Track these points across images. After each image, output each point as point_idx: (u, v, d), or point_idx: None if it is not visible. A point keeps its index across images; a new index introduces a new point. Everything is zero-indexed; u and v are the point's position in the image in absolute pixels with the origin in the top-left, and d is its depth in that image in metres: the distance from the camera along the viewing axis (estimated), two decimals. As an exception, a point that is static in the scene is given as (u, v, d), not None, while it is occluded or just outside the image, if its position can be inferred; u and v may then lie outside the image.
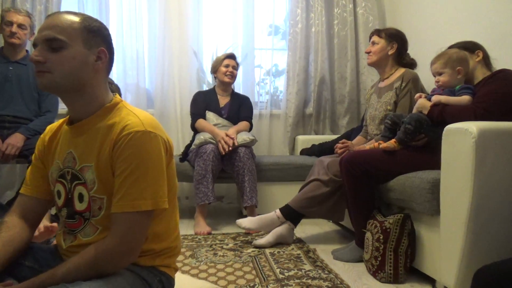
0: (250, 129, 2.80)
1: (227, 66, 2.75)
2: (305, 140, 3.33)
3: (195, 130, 2.74)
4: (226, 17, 3.46)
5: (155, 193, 0.94)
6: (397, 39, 2.19)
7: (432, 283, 1.59)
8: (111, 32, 1.05)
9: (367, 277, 1.69)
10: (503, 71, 1.66)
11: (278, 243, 2.11)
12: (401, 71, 2.15)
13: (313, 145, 3.11)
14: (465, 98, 1.67)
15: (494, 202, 1.28)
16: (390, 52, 2.18)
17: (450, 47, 1.88)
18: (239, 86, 3.44)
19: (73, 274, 0.87)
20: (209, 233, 2.34)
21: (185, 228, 2.46)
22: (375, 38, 2.22)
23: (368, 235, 1.75)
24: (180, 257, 1.88)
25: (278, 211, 2.16)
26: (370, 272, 1.72)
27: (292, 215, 2.13)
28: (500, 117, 1.49)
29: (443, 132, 1.41)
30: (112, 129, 0.95)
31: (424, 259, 1.61)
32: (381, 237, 1.65)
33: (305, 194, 2.11)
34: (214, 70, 2.83)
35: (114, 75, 3.22)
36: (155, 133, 0.95)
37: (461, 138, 1.31)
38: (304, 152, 3.15)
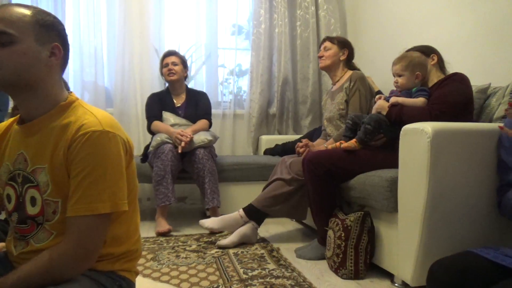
0: (210, 126, 2.76)
1: (166, 65, 2.69)
2: (269, 140, 3.35)
3: (152, 133, 2.67)
4: (189, 15, 3.41)
5: (113, 195, 0.90)
6: (347, 46, 2.34)
7: (390, 278, 1.64)
8: (67, 27, 1.00)
9: (329, 274, 1.72)
10: (456, 75, 1.75)
11: (242, 243, 2.10)
12: (349, 73, 2.28)
13: (277, 145, 3.13)
14: (421, 100, 1.74)
15: (448, 199, 1.34)
16: (342, 58, 2.32)
17: (408, 50, 1.96)
18: (202, 86, 3.40)
19: (25, 283, 0.82)
20: (169, 231, 2.30)
21: (147, 231, 2.40)
22: (327, 44, 2.33)
23: (330, 233, 1.79)
24: (141, 261, 1.83)
25: (241, 210, 2.15)
26: (332, 269, 1.75)
27: (255, 214, 2.13)
28: (453, 118, 1.58)
29: (401, 132, 1.47)
30: (67, 129, 0.91)
31: (383, 255, 1.67)
32: (342, 235, 1.68)
33: (268, 193, 2.13)
34: (161, 73, 2.79)
35: (71, 72, 3.08)
36: (114, 133, 0.92)
37: (417, 138, 1.36)
38: (268, 152, 3.17)
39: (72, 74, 3.11)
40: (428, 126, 1.33)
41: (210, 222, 2.14)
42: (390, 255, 1.62)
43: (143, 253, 1.95)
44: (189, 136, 2.43)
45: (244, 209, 2.16)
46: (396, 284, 1.59)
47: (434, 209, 1.33)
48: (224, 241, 2.06)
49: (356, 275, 1.67)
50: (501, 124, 1.15)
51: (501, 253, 1.01)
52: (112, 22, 3.17)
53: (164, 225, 2.33)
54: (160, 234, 2.28)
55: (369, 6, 3.39)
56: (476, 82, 1.87)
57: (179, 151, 2.43)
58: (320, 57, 2.36)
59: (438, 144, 1.31)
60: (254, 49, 3.46)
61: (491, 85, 1.91)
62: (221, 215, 2.22)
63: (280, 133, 3.57)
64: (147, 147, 2.68)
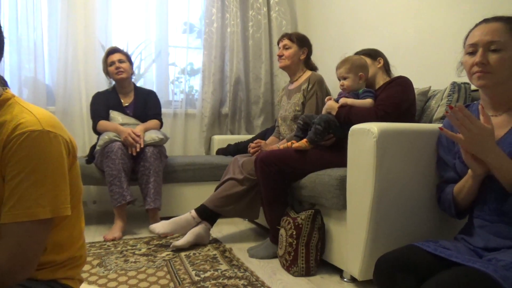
0: (161, 126, 2.69)
1: (112, 63, 2.57)
2: (221, 140, 3.33)
3: (99, 133, 2.53)
4: (137, 11, 3.30)
5: (54, 199, 0.84)
6: (307, 44, 2.33)
7: (340, 273, 1.69)
8: (2, 19, 0.92)
9: (281, 273, 1.74)
10: (400, 78, 1.84)
11: (195, 244, 2.06)
12: (308, 74, 2.28)
13: (229, 145, 3.12)
14: (368, 101, 1.82)
15: (392, 196, 1.41)
16: (301, 57, 2.31)
17: (356, 53, 2.03)
18: (152, 84, 3.31)
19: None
20: (115, 239, 2.19)
21: (93, 235, 2.28)
22: (287, 42, 2.29)
23: (282, 231, 1.81)
24: (86, 267, 1.74)
25: (193, 211, 2.12)
26: (284, 267, 1.78)
27: (208, 215, 2.11)
28: (397, 119, 1.67)
29: (349, 132, 1.52)
30: (2, 129, 0.83)
31: (333, 251, 1.72)
32: (294, 233, 1.71)
33: (221, 193, 2.11)
34: (105, 72, 2.65)
35: (7, 67, 2.85)
36: (54, 132, 0.86)
37: (364, 138, 1.41)
38: (220, 152, 3.15)
39: (8, 70, 2.88)
40: (374, 127, 1.38)
41: (161, 227, 2.07)
42: (339, 251, 1.67)
43: (89, 259, 1.86)
44: (141, 138, 2.35)
45: (196, 209, 2.12)
46: (345, 279, 1.65)
47: (380, 206, 1.39)
48: (179, 242, 2.00)
49: (307, 272, 1.70)
50: (440, 125, 1.23)
51: (440, 246, 1.08)
52: (54, 15, 2.98)
53: (114, 232, 2.24)
54: (106, 241, 2.18)
55: (319, 10, 3.48)
56: (418, 85, 1.98)
57: (133, 153, 2.34)
58: (279, 56, 2.32)
59: (383, 143, 1.37)
60: (206, 48, 3.42)
61: (431, 88, 2.03)
62: (174, 217, 2.17)
63: (232, 133, 3.56)
64: (93, 148, 2.55)
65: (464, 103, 1.80)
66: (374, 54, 1.99)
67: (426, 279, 0.92)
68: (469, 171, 1.12)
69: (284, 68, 2.34)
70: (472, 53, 1.11)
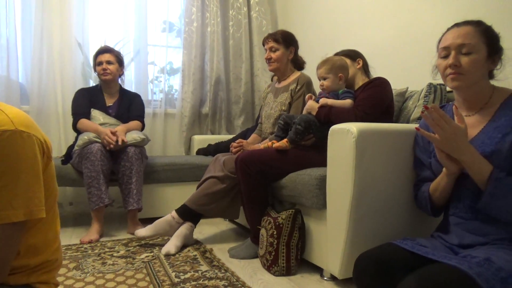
0: (142, 129, 2.65)
1: (100, 63, 2.52)
2: (201, 139, 3.31)
3: (78, 131, 2.48)
4: (115, 8, 3.24)
5: (28, 201, 0.81)
6: (293, 43, 2.26)
7: (320, 272, 1.71)
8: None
9: (262, 272, 1.74)
10: (379, 79, 1.87)
11: (184, 245, 2.04)
12: (296, 74, 2.26)
13: (209, 145, 3.10)
14: (347, 102, 1.84)
15: (372, 195, 1.43)
16: (290, 57, 2.26)
17: (335, 54, 2.05)
18: (131, 83, 3.25)
19: None
20: (91, 241, 2.14)
21: (69, 238, 2.23)
22: (273, 44, 2.22)
23: (262, 231, 1.81)
24: (62, 271, 1.69)
25: (174, 212, 2.09)
26: (264, 267, 1.78)
27: (189, 215, 2.08)
28: (376, 119, 1.70)
29: (329, 132, 1.53)
30: (-28, 128, 0.80)
31: (313, 250, 1.73)
32: (274, 233, 1.71)
33: (202, 192, 2.09)
34: (94, 70, 2.61)
35: (-23, 65, 2.76)
36: (28, 132, 0.83)
37: (343, 138, 1.43)
38: (201, 152, 3.12)
39: (-21, 67, 2.78)
40: (354, 127, 1.40)
41: (144, 232, 2.04)
42: (319, 250, 1.68)
43: (65, 262, 1.81)
44: (122, 140, 2.29)
45: (177, 210, 2.10)
46: (325, 278, 1.66)
47: (359, 205, 1.40)
48: (170, 250, 1.95)
49: (288, 272, 1.71)
50: (417, 125, 1.25)
51: (417, 243, 1.10)
52: (28, 11, 2.89)
53: (91, 234, 2.19)
54: (83, 243, 2.13)
55: (299, 10, 3.50)
56: (396, 86, 2.02)
57: (108, 148, 2.28)
58: (268, 59, 2.25)
59: (362, 143, 1.38)
60: (186, 47, 3.39)
61: (408, 89, 2.08)
62: (153, 218, 2.14)
63: (213, 133, 3.54)
64: (70, 148, 2.49)
65: (440, 103, 1.85)
66: (353, 55, 2.02)
67: (404, 276, 0.93)
68: (444, 169, 1.15)
69: (274, 71, 2.29)
70: (445, 56, 1.14)
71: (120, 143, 2.28)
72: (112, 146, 2.27)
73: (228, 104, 3.60)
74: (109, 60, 2.52)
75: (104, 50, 2.57)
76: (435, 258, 0.97)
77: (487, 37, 1.11)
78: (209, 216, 2.15)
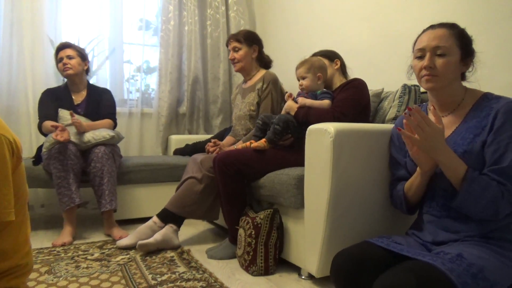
0: (115, 127, 2.57)
1: (61, 59, 2.43)
2: (179, 139, 3.27)
3: (46, 134, 2.37)
4: (90, 5, 3.15)
5: (-4, 203, 0.78)
6: (256, 41, 2.30)
7: (298, 271, 1.72)
8: None
9: (240, 273, 1.74)
10: (356, 80, 1.90)
11: (163, 247, 2.00)
12: (262, 72, 2.27)
13: (187, 145, 3.07)
14: (325, 102, 1.86)
15: (348, 194, 1.45)
16: (253, 56, 2.29)
17: (313, 54, 2.07)
18: (106, 82, 3.18)
19: None
20: (64, 244, 2.08)
21: (41, 241, 2.15)
22: (235, 44, 2.26)
23: (241, 231, 1.80)
24: (33, 275, 1.64)
25: (155, 217, 2.05)
26: (242, 267, 1.77)
27: (171, 218, 2.05)
28: (353, 119, 1.73)
29: (307, 132, 1.54)
30: None
31: (291, 249, 1.74)
32: (252, 233, 1.71)
33: (182, 194, 2.06)
34: (57, 68, 2.51)
35: None
36: (-4, 131, 0.80)
37: (321, 138, 1.44)
38: (178, 152, 3.09)
39: None
40: (331, 127, 1.41)
41: (127, 240, 2.00)
42: (297, 249, 1.69)
43: (36, 266, 1.75)
44: (62, 132, 2.15)
45: (158, 215, 2.06)
46: (303, 277, 1.67)
47: (337, 204, 1.42)
48: (146, 240, 1.92)
49: (266, 271, 1.71)
50: (393, 125, 1.28)
51: (392, 241, 1.12)
52: (-4, 6, 2.79)
53: (63, 237, 2.12)
54: (56, 246, 2.06)
55: (276, 11, 3.52)
56: (372, 86, 2.05)
57: (55, 137, 2.14)
58: (232, 60, 2.29)
59: (340, 143, 1.40)
60: (163, 46, 3.35)
61: (384, 89, 2.12)
62: (129, 219, 2.09)
63: (190, 133, 3.51)
64: (40, 148, 2.40)
65: (414, 104, 1.89)
66: (331, 55, 2.04)
67: (380, 273, 0.95)
68: (418, 168, 1.18)
69: (239, 71, 2.32)
70: (420, 57, 1.17)
71: (62, 138, 2.14)
72: (60, 138, 2.13)
73: (206, 103, 3.57)
74: (69, 55, 2.43)
75: (64, 45, 2.47)
76: (409, 255, 0.99)
77: (460, 40, 1.14)
78: (192, 218, 2.12)
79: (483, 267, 0.93)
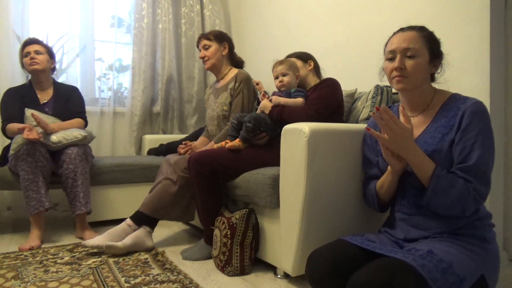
0: (86, 125, 2.48)
1: (27, 54, 2.34)
2: (153, 139, 3.22)
3: (10, 137, 2.27)
4: (59, 0, 3.05)
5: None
6: (226, 39, 2.30)
7: (273, 270, 1.72)
8: None
9: (215, 273, 1.73)
10: (329, 80, 1.93)
11: (135, 250, 1.95)
12: (234, 71, 2.27)
13: (161, 145, 3.03)
14: (299, 100, 1.88)
15: (323, 193, 1.46)
16: (224, 53, 2.28)
17: (287, 56, 2.09)
18: (76, 80, 3.09)
19: None
20: (32, 248, 2.00)
21: (6, 245, 2.07)
22: (205, 42, 2.26)
23: (216, 232, 1.79)
24: (-1, 281, 1.57)
25: (129, 219, 2.00)
26: (218, 267, 1.76)
27: (145, 220, 2.01)
28: (327, 119, 1.75)
29: (282, 131, 1.55)
30: None
31: (267, 249, 1.74)
32: (228, 233, 1.70)
33: (156, 196, 2.02)
34: (22, 65, 2.41)
35: None
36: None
37: (296, 137, 1.45)
38: (152, 152, 3.04)
39: None
40: (306, 126, 1.42)
41: (96, 241, 1.91)
42: (273, 248, 1.70)
43: (2, 271, 1.67)
44: (30, 129, 2.05)
45: (131, 217, 2.01)
46: (278, 276, 1.68)
47: (312, 203, 1.43)
48: (115, 243, 1.87)
49: (242, 271, 1.70)
50: (366, 125, 1.30)
51: (366, 239, 1.14)
52: (-42, 0, 2.65)
53: (31, 241, 2.04)
54: (22, 251, 1.98)
55: (251, 11, 3.52)
56: (345, 87, 2.09)
57: (31, 137, 2.04)
58: (202, 58, 2.28)
59: (314, 142, 1.41)
60: (136, 44, 3.28)
61: (357, 90, 2.16)
62: (101, 222, 2.04)
63: (164, 133, 3.46)
64: (5, 149, 2.30)
65: (386, 104, 1.93)
66: (305, 57, 2.07)
67: (354, 270, 0.97)
68: (389, 167, 1.21)
69: (210, 68, 2.30)
70: (391, 59, 1.20)
71: (32, 136, 2.05)
72: (31, 136, 2.04)
73: (181, 103, 3.53)
74: (38, 50, 2.34)
75: (32, 41, 2.38)
76: (382, 252, 1.01)
77: (429, 42, 1.18)
78: (167, 219, 2.08)
79: (452, 263, 0.97)
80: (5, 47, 2.77)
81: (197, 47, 2.33)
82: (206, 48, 2.26)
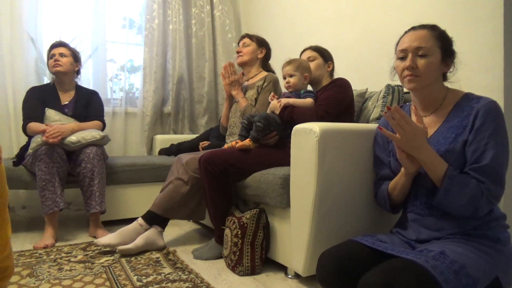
0: (103, 128, 2.53)
1: (52, 56, 2.40)
2: (164, 139, 3.24)
3: (30, 136, 2.32)
4: (72, 2, 3.10)
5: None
6: (265, 46, 2.37)
7: (284, 271, 1.72)
8: None
9: (226, 273, 1.73)
10: (340, 80, 1.92)
11: (146, 249, 1.97)
12: (264, 73, 2.30)
13: (172, 145, 3.05)
14: (309, 100, 1.87)
15: (334, 193, 1.46)
16: (259, 56, 2.33)
17: (313, 48, 2.05)
18: (88, 81, 3.13)
19: None
20: (46, 246, 2.04)
21: (21, 243, 2.10)
22: (246, 40, 2.33)
23: (227, 231, 1.80)
24: (14, 278, 1.60)
25: (140, 219, 2.03)
26: (229, 267, 1.77)
27: (156, 220, 2.03)
28: (337, 118, 1.75)
29: (292, 131, 1.55)
30: None
31: (277, 249, 1.74)
32: (239, 233, 1.71)
33: (167, 196, 2.04)
34: (48, 65, 2.47)
35: None
36: (-25, 132, 0.77)
37: (306, 137, 1.45)
38: (163, 152, 3.06)
39: None
40: (316, 126, 1.42)
41: (107, 239, 1.93)
42: (283, 249, 1.70)
43: (17, 269, 1.71)
44: (53, 132, 2.12)
45: (143, 217, 2.03)
46: (289, 276, 1.68)
47: (322, 203, 1.43)
48: (126, 246, 1.90)
49: (252, 271, 1.71)
50: (377, 125, 1.30)
51: (377, 240, 1.14)
52: (-26, 3, 2.71)
53: (45, 239, 2.08)
54: (37, 249, 2.01)
55: (261, 11, 3.52)
56: (356, 86, 2.07)
57: (50, 141, 2.12)
58: (238, 52, 2.34)
59: (325, 142, 1.41)
60: (147, 45, 3.31)
61: (368, 89, 2.14)
62: (113, 221, 2.06)
63: (175, 133, 3.48)
64: (23, 148, 2.35)
65: (397, 104, 1.92)
66: (327, 56, 2.05)
67: (365, 271, 0.96)
68: (402, 169, 1.20)
69: (241, 64, 2.34)
70: (402, 58, 1.19)
71: (52, 140, 2.11)
72: (54, 140, 2.12)
73: (191, 103, 3.55)
74: (62, 53, 2.41)
75: (59, 44, 2.45)
76: (393, 253, 1.01)
77: (441, 41, 1.16)
78: (177, 219, 2.10)
79: (465, 264, 0.95)
80: (19, 49, 2.82)
81: (238, 44, 2.39)
82: (245, 45, 2.32)
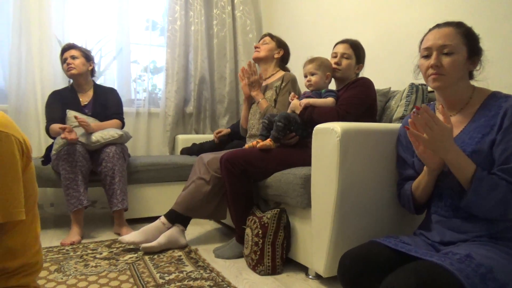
0: (123, 126, 2.58)
1: (65, 60, 2.45)
2: (186, 139, 3.28)
3: (53, 137, 2.41)
4: (97, 5, 3.17)
5: (7, 202, 0.79)
6: (284, 47, 2.38)
7: (305, 271, 1.72)
8: None
9: (247, 272, 1.74)
10: (362, 79, 1.90)
11: (168, 248, 2.01)
12: (281, 73, 2.30)
13: (194, 144, 3.08)
14: (329, 100, 1.86)
15: (355, 194, 1.44)
16: (276, 56, 2.34)
17: (350, 42, 1.97)
18: (113, 82, 3.20)
19: None
20: (73, 243, 2.10)
21: (50, 240, 2.18)
22: (266, 39, 2.35)
23: (248, 231, 1.81)
24: (43, 273, 1.66)
25: (163, 217, 2.06)
26: (250, 266, 1.78)
27: (178, 219, 2.06)
28: (359, 118, 1.72)
29: (313, 131, 1.54)
30: None
31: (298, 249, 1.74)
32: (260, 232, 1.71)
33: (189, 195, 2.07)
34: (63, 70, 2.53)
35: (-48, 63, 2.67)
36: (6, 132, 0.81)
37: (327, 137, 1.44)
38: (185, 151, 3.10)
39: (-46, 66, 2.69)
40: (338, 126, 1.41)
41: (130, 237, 1.98)
42: (304, 249, 1.69)
43: (46, 264, 1.77)
44: (71, 132, 2.19)
45: (165, 215, 2.07)
46: (310, 276, 1.67)
47: (343, 204, 1.42)
48: (149, 244, 1.94)
49: (273, 271, 1.71)
50: (400, 125, 1.27)
51: (400, 241, 1.12)
52: (5, 8, 2.81)
53: (72, 236, 2.14)
54: (64, 245, 2.08)
55: (283, 10, 3.51)
56: (379, 86, 2.04)
57: (69, 138, 2.17)
58: (256, 47, 2.36)
59: (346, 142, 1.40)
60: (170, 46, 3.36)
61: (391, 89, 2.11)
62: (137, 219, 2.11)
63: (197, 132, 3.52)
64: (48, 149, 2.43)
65: (421, 103, 1.88)
66: (361, 58, 1.98)
67: (387, 273, 0.95)
68: (425, 167, 1.17)
69: (257, 59, 2.35)
70: (427, 56, 1.16)
71: (70, 137, 2.17)
72: (68, 137, 2.17)
73: (213, 103, 3.58)
74: (73, 55, 2.45)
75: (69, 46, 2.49)
76: (417, 255, 0.99)
77: (467, 38, 1.13)
78: (198, 218, 2.13)
79: (492, 268, 0.93)
80: (48, 52, 2.92)
81: (259, 41, 2.41)
82: (264, 43, 2.35)
